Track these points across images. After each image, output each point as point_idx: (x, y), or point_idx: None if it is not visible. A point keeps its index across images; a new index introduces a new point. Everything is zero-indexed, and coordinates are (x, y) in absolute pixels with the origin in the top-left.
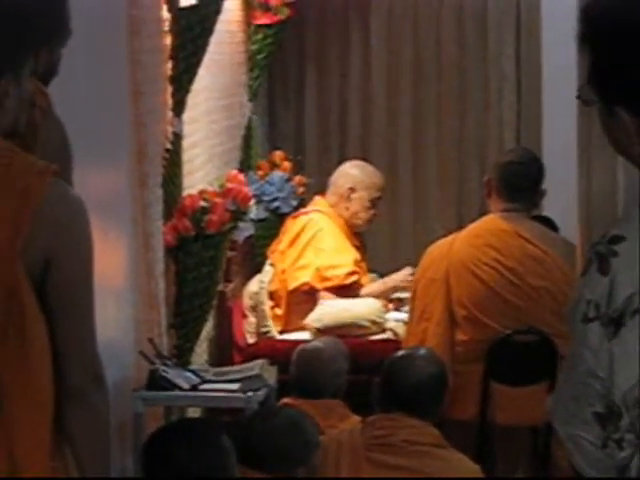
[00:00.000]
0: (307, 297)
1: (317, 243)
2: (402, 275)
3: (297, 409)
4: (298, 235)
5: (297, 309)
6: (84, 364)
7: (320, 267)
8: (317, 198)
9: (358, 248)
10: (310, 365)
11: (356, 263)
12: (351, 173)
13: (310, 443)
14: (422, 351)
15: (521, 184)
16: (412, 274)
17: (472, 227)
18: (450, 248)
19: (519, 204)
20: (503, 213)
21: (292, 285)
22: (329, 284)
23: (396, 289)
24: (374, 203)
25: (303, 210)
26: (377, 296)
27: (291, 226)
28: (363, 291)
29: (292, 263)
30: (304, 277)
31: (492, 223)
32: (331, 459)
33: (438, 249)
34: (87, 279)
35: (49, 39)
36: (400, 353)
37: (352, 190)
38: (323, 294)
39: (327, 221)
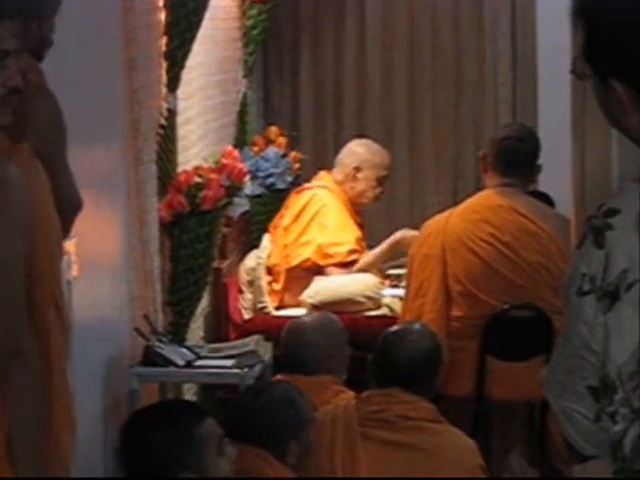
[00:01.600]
0: (306, 273)
1: (321, 219)
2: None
3: (290, 385)
4: (302, 210)
5: (295, 285)
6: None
7: (322, 244)
8: (322, 173)
9: (360, 226)
10: (293, 340)
11: (357, 241)
12: (357, 152)
13: (303, 418)
14: (416, 326)
15: (517, 159)
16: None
17: (468, 202)
18: (446, 224)
19: (515, 179)
20: (499, 188)
21: (295, 261)
22: (331, 261)
23: (403, 253)
24: (380, 182)
25: (307, 185)
26: (379, 258)
27: (295, 201)
28: (363, 259)
29: (295, 239)
30: (306, 253)
31: (488, 198)
32: (326, 435)
33: (434, 225)
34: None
35: (37, 13)
36: (394, 328)
37: (358, 169)
38: (330, 269)
39: (331, 197)
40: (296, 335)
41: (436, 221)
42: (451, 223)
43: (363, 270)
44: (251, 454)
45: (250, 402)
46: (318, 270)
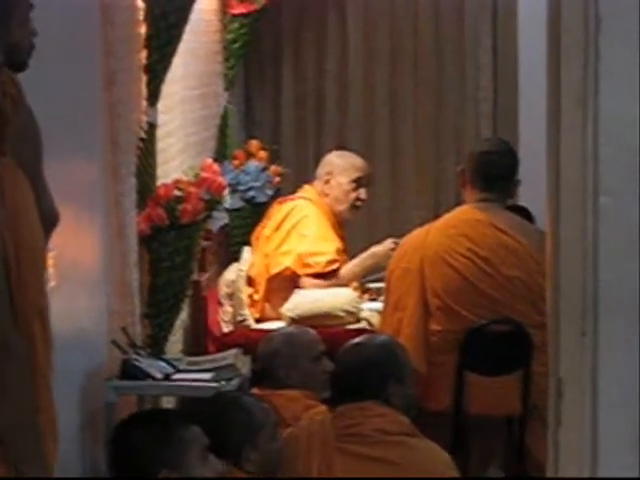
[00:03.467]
0: (287, 282)
1: (301, 229)
2: (381, 248)
3: (243, 392)
4: (283, 220)
5: (276, 295)
6: None
7: (302, 253)
8: (306, 186)
9: (342, 238)
10: (262, 352)
11: (338, 252)
12: (330, 160)
13: (255, 423)
14: (374, 338)
15: (495, 174)
16: (395, 244)
17: (447, 217)
18: (425, 238)
19: (494, 194)
20: (478, 203)
21: (274, 270)
22: (309, 271)
23: (378, 269)
24: (358, 184)
25: (290, 196)
26: (358, 272)
27: (277, 211)
28: (343, 269)
29: (275, 248)
30: (286, 262)
31: (467, 213)
32: (302, 450)
33: (413, 239)
34: None
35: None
36: (347, 344)
37: (330, 174)
38: (304, 279)
39: (313, 208)
40: (264, 349)
41: (415, 236)
42: (430, 238)
43: (345, 281)
44: None
45: (201, 411)
46: (298, 279)
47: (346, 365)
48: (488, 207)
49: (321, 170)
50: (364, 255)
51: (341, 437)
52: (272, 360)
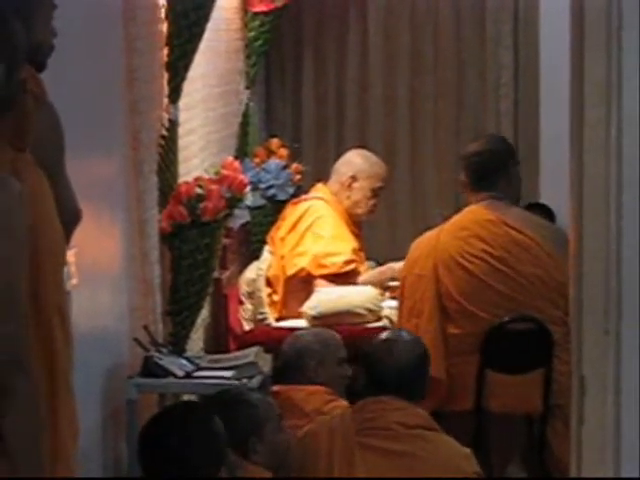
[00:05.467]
0: (304, 284)
1: (316, 229)
2: (400, 265)
3: (246, 387)
4: (298, 221)
5: (294, 296)
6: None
7: (317, 254)
8: (319, 185)
9: (357, 236)
10: (288, 350)
11: (354, 251)
12: (354, 162)
13: (261, 416)
14: (403, 334)
15: (482, 172)
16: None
17: (457, 219)
18: (436, 242)
19: (494, 191)
20: (485, 202)
21: (290, 271)
22: (326, 271)
23: (394, 278)
24: (376, 193)
25: (304, 197)
26: (374, 284)
27: (291, 212)
28: (360, 279)
29: (291, 249)
30: (302, 263)
31: (477, 213)
32: (323, 446)
33: (424, 244)
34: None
35: (23, 14)
36: (381, 337)
37: (354, 179)
38: (318, 281)
39: (327, 208)
40: (291, 345)
41: (426, 240)
42: (441, 241)
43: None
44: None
45: (208, 406)
46: (342, 281)
47: (391, 365)
48: (498, 205)
49: (343, 170)
50: (382, 269)
51: (362, 431)
52: (300, 356)
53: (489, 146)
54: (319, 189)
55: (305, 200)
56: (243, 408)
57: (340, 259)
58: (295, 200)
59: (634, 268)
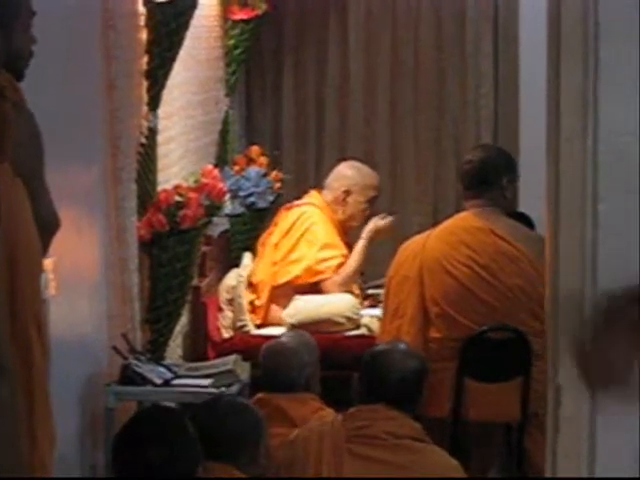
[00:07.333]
0: (291, 291)
1: (310, 236)
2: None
3: (231, 394)
4: (291, 227)
5: (279, 302)
6: None
7: (312, 262)
8: (312, 192)
9: (347, 244)
10: (274, 360)
11: (345, 258)
12: (346, 175)
13: (260, 419)
14: (402, 346)
15: (474, 180)
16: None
17: (446, 224)
18: (424, 245)
19: (485, 200)
20: (475, 210)
21: (283, 279)
22: (322, 277)
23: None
24: (370, 202)
25: (296, 202)
26: (362, 255)
27: (284, 218)
28: (348, 266)
29: (284, 256)
30: (295, 271)
31: (466, 220)
32: (313, 451)
33: (411, 246)
34: None
35: (1, 21)
36: (380, 348)
37: (347, 193)
38: (325, 284)
39: (320, 215)
40: (278, 355)
41: (413, 243)
42: (429, 245)
43: (351, 275)
44: (217, 469)
45: (207, 418)
46: (309, 288)
47: (391, 375)
48: (488, 214)
49: (335, 185)
50: (363, 242)
51: (352, 438)
52: (289, 367)
53: (482, 155)
54: (313, 196)
55: (298, 206)
56: (245, 414)
57: (334, 262)
58: (288, 205)
59: (610, 277)
